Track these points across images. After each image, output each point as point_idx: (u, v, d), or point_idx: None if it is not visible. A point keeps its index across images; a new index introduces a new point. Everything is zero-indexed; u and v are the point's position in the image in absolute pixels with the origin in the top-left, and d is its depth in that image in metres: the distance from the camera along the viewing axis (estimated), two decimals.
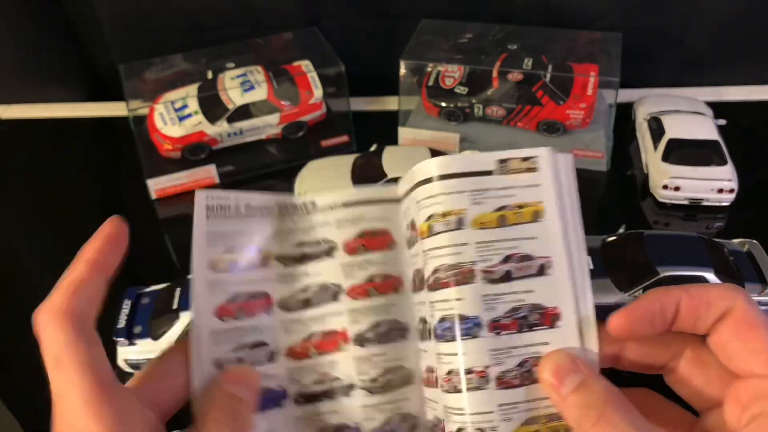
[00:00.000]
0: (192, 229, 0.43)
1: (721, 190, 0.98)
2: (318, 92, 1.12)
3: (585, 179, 1.15)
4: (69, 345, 0.34)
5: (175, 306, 0.77)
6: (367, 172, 0.97)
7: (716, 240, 0.85)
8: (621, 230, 0.87)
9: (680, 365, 0.38)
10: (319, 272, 0.44)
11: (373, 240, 0.44)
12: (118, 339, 0.76)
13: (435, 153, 0.98)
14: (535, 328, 0.38)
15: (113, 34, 1.23)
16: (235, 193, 0.44)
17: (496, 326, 0.38)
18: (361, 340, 0.43)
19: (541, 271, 0.38)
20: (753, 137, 1.15)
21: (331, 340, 0.43)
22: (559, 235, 0.39)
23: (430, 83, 1.14)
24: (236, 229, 0.43)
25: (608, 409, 0.33)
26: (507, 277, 0.38)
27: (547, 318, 0.38)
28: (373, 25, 1.22)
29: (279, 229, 0.44)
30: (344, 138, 1.14)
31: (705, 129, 1.03)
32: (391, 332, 0.43)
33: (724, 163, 0.99)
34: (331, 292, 0.44)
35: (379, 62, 1.14)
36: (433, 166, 0.40)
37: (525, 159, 0.39)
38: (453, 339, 0.38)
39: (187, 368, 0.40)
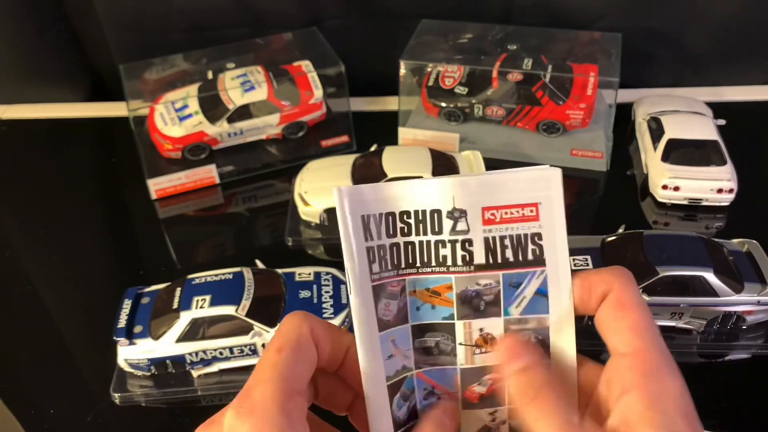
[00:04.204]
0: None
1: (720, 190, 0.98)
2: (318, 92, 1.12)
3: (585, 179, 1.16)
4: None
5: (175, 306, 0.77)
6: (367, 172, 0.97)
7: (716, 240, 0.85)
8: (621, 230, 0.87)
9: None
10: None
11: None
12: (118, 339, 0.76)
13: (435, 153, 0.98)
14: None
15: (113, 34, 1.23)
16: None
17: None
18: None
19: None
20: (752, 137, 1.15)
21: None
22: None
23: (430, 83, 1.14)
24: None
25: (545, 390, 0.36)
26: None
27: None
28: (373, 25, 1.22)
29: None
30: (344, 138, 1.14)
31: (704, 129, 1.04)
32: None
33: (723, 163, 0.99)
34: None
35: (379, 62, 1.15)
36: None
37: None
38: None
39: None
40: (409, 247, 0.39)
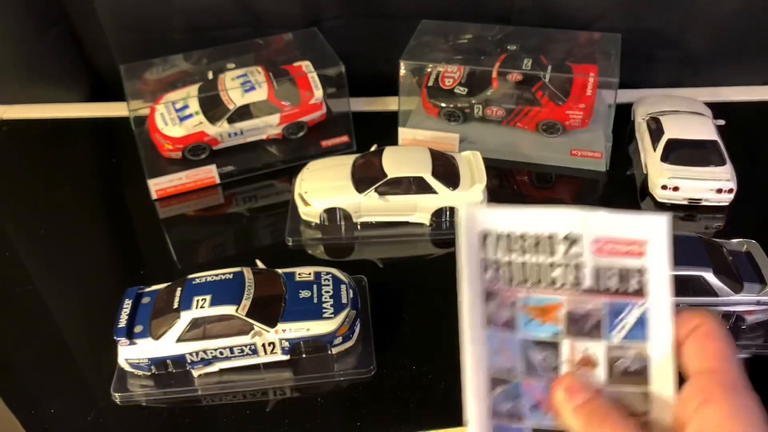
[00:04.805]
0: None
1: (720, 190, 0.98)
2: (318, 92, 1.12)
3: (584, 179, 1.16)
4: None
5: (175, 306, 0.77)
6: (367, 173, 0.97)
7: (715, 240, 0.85)
8: None
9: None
10: None
11: None
12: (118, 339, 0.77)
13: (435, 153, 0.99)
14: None
15: (114, 34, 1.23)
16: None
17: None
18: None
19: None
20: (752, 137, 1.15)
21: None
22: None
23: (430, 84, 1.14)
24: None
25: (612, 415, 0.39)
26: None
27: None
28: (373, 26, 1.22)
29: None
30: (344, 138, 1.14)
31: (704, 129, 1.04)
32: None
33: (723, 163, 0.99)
34: None
35: (379, 62, 1.15)
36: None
37: None
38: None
39: None
40: (525, 265, 0.42)
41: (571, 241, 0.42)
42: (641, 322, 0.42)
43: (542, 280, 0.42)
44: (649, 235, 0.42)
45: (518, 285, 0.42)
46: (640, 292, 0.42)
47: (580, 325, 0.42)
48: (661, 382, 0.41)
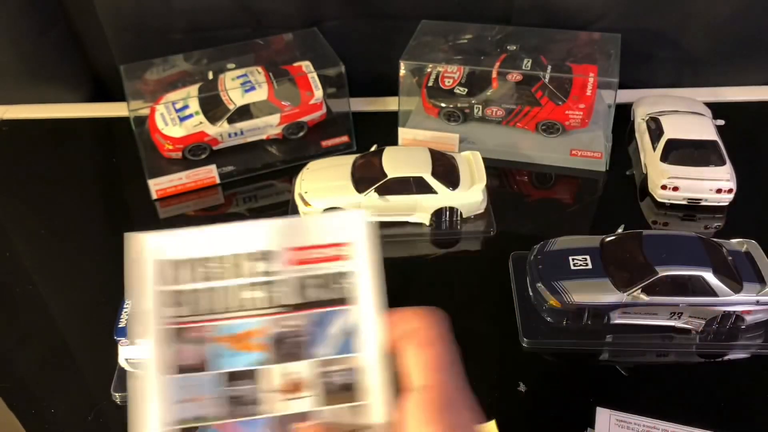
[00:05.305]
0: None
1: (719, 190, 0.98)
2: (318, 93, 1.12)
3: (584, 179, 1.16)
4: None
5: None
6: (367, 172, 0.97)
7: (715, 240, 0.85)
8: (620, 230, 0.87)
9: None
10: None
11: None
12: (119, 339, 0.77)
13: (435, 153, 0.99)
14: None
15: (114, 34, 1.23)
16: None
17: None
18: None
19: None
20: (751, 137, 1.15)
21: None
22: None
23: (430, 84, 1.14)
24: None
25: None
26: None
27: None
28: (373, 26, 1.22)
29: None
30: (344, 138, 1.14)
31: (703, 129, 1.04)
32: None
33: (722, 163, 1.00)
34: None
35: (379, 63, 1.15)
36: None
37: None
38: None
39: None
40: (211, 292, 0.38)
41: (260, 256, 0.38)
42: (349, 333, 0.38)
43: (233, 305, 0.38)
44: (348, 236, 0.38)
45: (206, 316, 0.38)
46: (344, 300, 0.38)
47: (282, 348, 0.38)
48: (376, 393, 0.37)
